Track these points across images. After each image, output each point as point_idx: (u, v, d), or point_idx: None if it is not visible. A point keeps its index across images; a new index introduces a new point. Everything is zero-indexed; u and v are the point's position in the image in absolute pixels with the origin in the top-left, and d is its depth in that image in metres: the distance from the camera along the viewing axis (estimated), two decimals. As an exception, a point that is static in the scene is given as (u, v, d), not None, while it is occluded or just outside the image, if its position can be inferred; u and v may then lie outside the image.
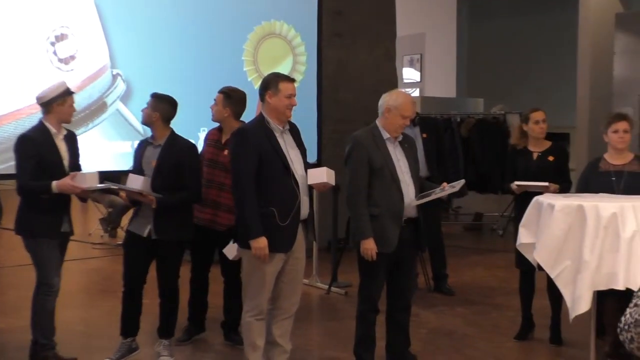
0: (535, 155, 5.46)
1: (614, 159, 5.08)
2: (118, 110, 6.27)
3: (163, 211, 4.75)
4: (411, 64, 14.89)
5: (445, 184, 4.62)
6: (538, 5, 13.57)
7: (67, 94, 4.75)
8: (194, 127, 6.42)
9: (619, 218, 4.27)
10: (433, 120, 7.81)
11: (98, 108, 6.15)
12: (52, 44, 5.91)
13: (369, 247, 4.48)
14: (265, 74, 4.80)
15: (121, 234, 9.52)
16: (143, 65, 6.34)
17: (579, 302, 4.32)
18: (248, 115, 5.15)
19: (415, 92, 14.22)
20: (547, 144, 5.50)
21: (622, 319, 4.49)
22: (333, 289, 7.03)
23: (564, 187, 5.28)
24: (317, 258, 7.23)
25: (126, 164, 5.76)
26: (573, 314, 4.38)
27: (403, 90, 4.75)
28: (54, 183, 4.55)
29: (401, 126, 4.62)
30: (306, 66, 7.34)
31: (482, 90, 13.43)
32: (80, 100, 6.02)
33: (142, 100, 5.09)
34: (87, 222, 11.29)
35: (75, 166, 4.83)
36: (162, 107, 4.89)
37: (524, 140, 5.54)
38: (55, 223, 4.73)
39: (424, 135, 6.83)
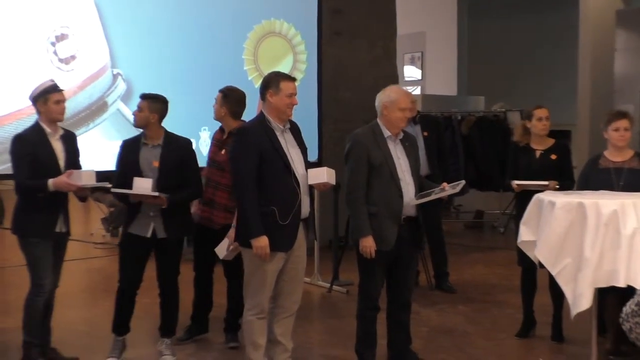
0: (537, 153, 5.45)
1: (614, 156, 5.08)
2: (119, 110, 6.28)
3: (170, 210, 4.76)
4: (412, 62, 14.89)
5: (445, 184, 4.60)
6: (538, 3, 13.56)
7: (47, 92, 4.70)
8: (195, 126, 6.44)
9: (619, 215, 4.27)
10: (434, 118, 7.81)
11: (99, 108, 6.16)
12: (53, 44, 5.92)
13: (368, 244, 4.48)
14: (266, 72, 4.81)
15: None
16: (143, 65, 6.35)
17: (580, 299, 4.32)
18: (248, 115, 5.15)
19: (416, 90, 14.22)
20: (550, 141, 5.49)
21: (623, 309, 4.52)
22: (334, 287, 7.03)
23: (567, 185, 5.25)
24: (319, 256, 7.23)
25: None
26: (574, 311, 4.38)
27: (396, 85, 4.73)
28: (51, 181, 4.55)
29: (401, 119, 4.61)
30: (306, 64, 7.35)
31: (483, 88, 13.43)
32: (80, 100, 6.04)
33: (142, 99, 5.09)
34: (88, 222, 11.31)
35: (75, 166, 4.80)
36: (158, 107, 4.88)
37: (526, 138, 5.52)
38: (49, 223, 4.71)
39: (425, 134, 6.83)
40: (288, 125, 4.45)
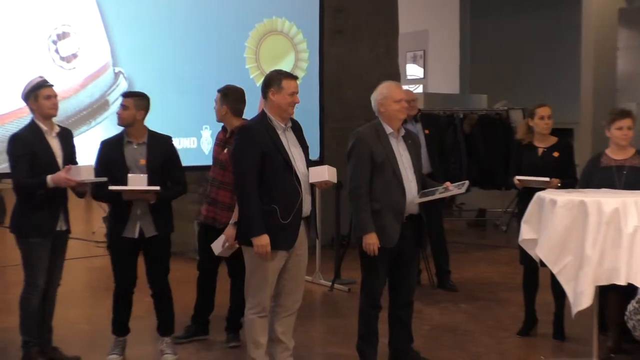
0: (540, 151, 5.45)
1: (616, 154, 5.07)
2: (120, 109, 6.27)
3: (158, 207, 4.77)
4: (414, 61, 14.89)
5: (448, 183, 4.59)
6: (541, 1, 13.55)
7: (36, 88, 4.70)
8: (196, 124, 6.44)
9: (621, 213, 4.27)
10: (435, 117, 7.80)
11: (100, 106, 6.15)
12: (54, 42, 5.92)
13: (371, 241, 4.46)
14: (267, 71, 4.80)
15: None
16: (145, 63, 6.34)
17: (581, 297, 4.32)
18: (249, 113, 5.14)
19: (419, 89, 14.23)
20: (553, 139, 5.48)
21: (628, 307, 4.53)
22: (336, 286, 7.03)
23: (569, 183, 5.25)
24: (320, 255, 7.23)
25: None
26: (575, 309, 4.38)
27: (385, 81, 4.72)
28: (49, 177, 4.55)
29: (400, 111, 4.58)
30: (308, 63, 7.34)
31: (486, 87, 13.42)
32: (82, 99, 6.04)
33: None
34: (90, 221, 11.31)
35: (72, 163, 4.78)
36: (144, 104, 4.87)
37: (529, 136, 5.52)
38: (49, 221, 4.70)
39: (427, 132, 6.82)
40: (290, 124, 4.44)
